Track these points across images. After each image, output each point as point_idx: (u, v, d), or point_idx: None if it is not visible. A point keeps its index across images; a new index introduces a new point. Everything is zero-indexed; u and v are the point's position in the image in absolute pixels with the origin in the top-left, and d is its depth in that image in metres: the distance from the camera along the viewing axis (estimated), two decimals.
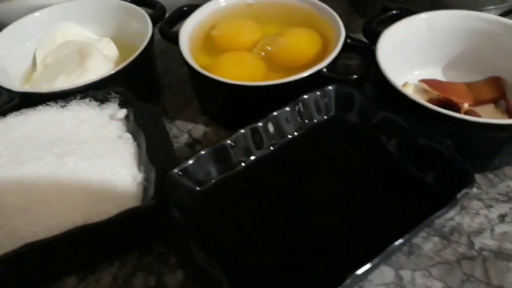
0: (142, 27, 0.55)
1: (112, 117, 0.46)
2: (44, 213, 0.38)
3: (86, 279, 0.40)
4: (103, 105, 0.47)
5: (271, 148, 0.45)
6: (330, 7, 0.55)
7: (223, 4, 0.59)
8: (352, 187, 0.42)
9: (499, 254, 0.40)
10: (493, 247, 0.41)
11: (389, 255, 0.38)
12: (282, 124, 0.45)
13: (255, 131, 0.44)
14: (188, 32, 0.54)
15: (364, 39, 0.53)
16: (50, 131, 0.45)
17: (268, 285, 0.36)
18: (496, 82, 0.52)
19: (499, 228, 0.42)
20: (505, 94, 0.51)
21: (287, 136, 0.46)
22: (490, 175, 0.47)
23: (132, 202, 0.39)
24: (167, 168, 0.40)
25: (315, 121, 0.47)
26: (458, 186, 0.37)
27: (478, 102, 0.50)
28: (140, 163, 0.42)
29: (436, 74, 0.55)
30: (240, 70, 0.51)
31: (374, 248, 0.34)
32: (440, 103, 0.48)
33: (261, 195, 0.42)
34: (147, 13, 0.57)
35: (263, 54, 0.54)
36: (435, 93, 0.51)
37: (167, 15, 0.58)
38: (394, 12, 0.55)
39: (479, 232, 0.42)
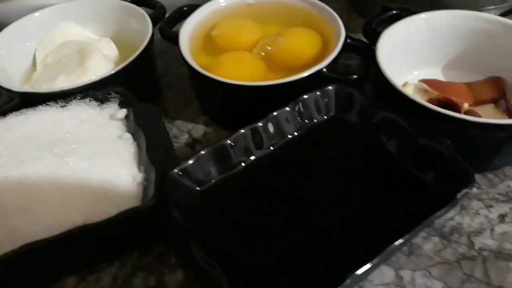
0: (142, 27, 0.55)
1: (112, 117, 0.46)
2: (44, 213, 0.38)
3: (86, 279, 0.40)
4: (103, 105, 0.47)
5: (271, 148, 0.45)
6: (330, 7, 0.55)
7: (223, 4, 0.59)
8: (352, 187, 0.42)
9: (499, 254, 0.40)
10: (493, 247, 0.41)
11: (389, 255, 0.38)
12: (282, 124, 0.45)
13: (255, 131, 0.44)
14: (188, 32, 0.54)
15: (364, 39, 0.53)
16: (50, 131, 0.45)
17: (268, 285, 0.36)
18: (496, 82, 0.52)
19: (499, 228, 0.42)
20: (505, 94, 0.51)
21: (287, 136, 0.46)
22: (490, 175, 0.47)
23: (132, 202, 0.39)
24: (167, 168, 0.40)
25: (315, 121, 0.47)
26: (458, 186, 0.37)
27: (478, 102, 0.50)
28: (140, 163, 0.42)
29: (436, 74, 0.55)
30: (240, 70, 0.51)
31: (374, 248, 0.34)
32: (440, 103, 0.48)
33: (261, 195, 0.42)
34: (147, 13, 0.57)
35: (263, 54, 0.54)
36: (435, 93, 0.51)
37: (167, 15, 0.58)
38: (394, 12, 0.55)
39: (479, 232, 0.42)
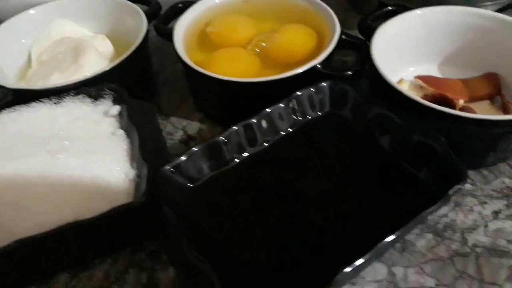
0: (137, 23, 0.55)
1: (105, 113, 0.46)
2: (35, 210, 0.38)
3: (78, 275, 0.40)
4: (97, 102, 0.47)
5: (265, 144, 0.45)
6: (327, 3, 0.55)
7: (218, 1, 0.59)
8: (346, 183, 0.42)
9: (493, 251, 0.40)
10: (486, 244, 0.41)
11: (382, 251, 0.38)
12: (276, 120, 0.45)
13: (248, 128, 0.44)
14: (183, 28, 0.54)
15: (360, 36, 0.52)
16: (43, 127, 0.44)
17: (260, 282, 0.36)
18: (491, 79, 0.51)
19: (493, 225, 0.42)
20: (500, 91, 0.51)
21: (280, 132, 0.46)
22: (485, 172, 0.46)
23: (124, 198, 0.39)
24: (159, 164, 0.40)
25: (309, 117, 0.47)
26: (451, 183, 0.37)
27: (473, 99, 0.50)
28: (132, 159, 0.42)
29: (432, 70, 0.55)
30: (234, 67, 0.51)
31: (368, 244, 0.34)
32: (435, 100, 0.47)
33: (254, 192, 0.42)
34: (142, 10, 0.57)
35: (257, 50, 0.54)
36: (430, 90, 0.50)
37: (162, 11, 0.58)
38: (389, 8, 0.55)
39: (472, 228, 0.42)
